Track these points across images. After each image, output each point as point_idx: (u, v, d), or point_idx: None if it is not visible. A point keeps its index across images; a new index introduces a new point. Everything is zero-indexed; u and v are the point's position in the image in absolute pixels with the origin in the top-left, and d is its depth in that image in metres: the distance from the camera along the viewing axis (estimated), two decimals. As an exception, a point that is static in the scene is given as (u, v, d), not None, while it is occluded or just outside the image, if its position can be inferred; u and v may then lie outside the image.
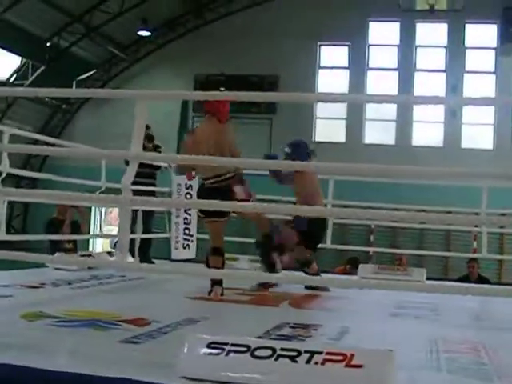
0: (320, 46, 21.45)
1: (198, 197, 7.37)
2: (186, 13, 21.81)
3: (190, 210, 10.19)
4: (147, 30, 21.39)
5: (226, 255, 11.01)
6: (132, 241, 9.72)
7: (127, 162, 5.19)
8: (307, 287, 8.02)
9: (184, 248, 10.32)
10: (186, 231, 10.33)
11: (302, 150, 8.25)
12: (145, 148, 7.81)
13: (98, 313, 5.41)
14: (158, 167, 10.43)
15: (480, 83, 20.18)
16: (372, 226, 16.30)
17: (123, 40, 22.12)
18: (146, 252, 10.36)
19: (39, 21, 19.84)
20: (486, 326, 6.36)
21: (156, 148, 10.41)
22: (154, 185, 10.48)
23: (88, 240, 18.25)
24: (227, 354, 3.58)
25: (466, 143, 20.22)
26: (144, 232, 10.31)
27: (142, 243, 10.33)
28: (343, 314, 6.67)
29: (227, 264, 10.58)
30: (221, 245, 7.55)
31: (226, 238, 12.80)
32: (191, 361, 3.60)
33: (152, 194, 10.11)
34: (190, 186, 10.21)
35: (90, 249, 18.16)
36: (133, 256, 9.81)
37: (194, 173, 8.12)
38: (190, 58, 21.29)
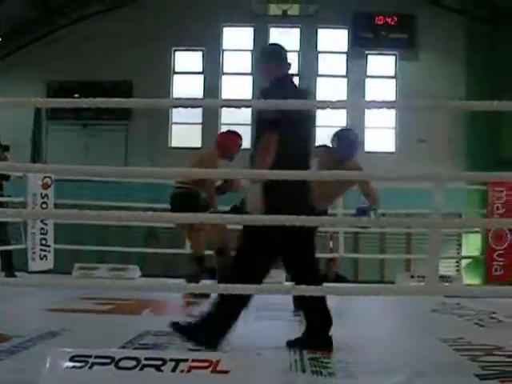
0: (174, 51, 21.39)
1: None
2: (37, 18, 21.32)
3: (46, 220, 9.97)
4: (-4, 36, 20.80)
5: (86, 264, 10.91)
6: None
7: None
8: None
9: (41, 259, 10.09)
10: (43, 242, 10.11)
11: (343, 140, 7.28)
12: (-1, 158, 7.60)
13: (-46, 331, 5.22)
14: (8, 177, 10.11)
15: (332, 86, 20.62)
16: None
17: (-30, 46, 21.41)
18: (10, 265, 10.04)
19: None
20: (348, 324, 6.49)
21: (5, 158, 10.12)
22: (2, 195, 10.15)
23: None
24: (91, 367, 3.52)
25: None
26: (1, 244, 10.02)
27: (4, 257, 10.03)
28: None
29: (87, 273, 10.48)
30: None
31: (86, 248, 12.71)
32: (54, 376, 3.52)
33: (1, 204, 9.82)
34: (46, 195, 10.01)
35: None
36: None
37: None
38: (42, 65, 20.77)
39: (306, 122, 5.34)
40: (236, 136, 8.49)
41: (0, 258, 10.05)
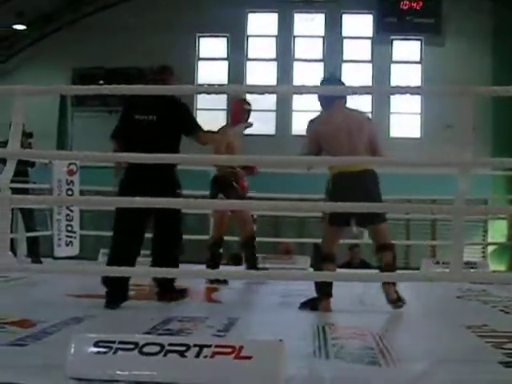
0: (199, 37, 21.38)
1: None
2: (63, 6, 21.35)
3: (72, 206, 10.02)
4: (23, 24, 20.83)
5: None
6: (12, 240, 9.49)
7: (1, 160, 5.07)
8: None
9: (67, 245, 10.16)
10: (69, 228, 10.16)
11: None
12: (22, 145, 7.62)
13: (-20, 316, 5.26)
14: (33, 164, 10.15)
15: (357, 72, 20.52)
16: (254, 216, 16.33)
17: (-3, 34, 21.44)
18: (36, 251, 10.10)
19: None
20: (371, 311, 6.49)
21: (29, 145, 10.15)
22: (27, 182, 10.18)
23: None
24: (115, 352, 3.53)
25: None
26: (28, 231, 10.08)
27: (30, 243, 10.08)
28: (230, 305, 6.70)
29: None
30: None
31: (111, 234, 12.72)
32: (79, 361, 3.54)
33: (26, 191, 9.86)
34: (71, 181, 10.05)
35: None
36: (14, 255, 9.59)
37: None
38: (68, 52, 20.80)
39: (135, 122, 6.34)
40: (239, 101, 9.06)
41: (27, 245, 10.13)
